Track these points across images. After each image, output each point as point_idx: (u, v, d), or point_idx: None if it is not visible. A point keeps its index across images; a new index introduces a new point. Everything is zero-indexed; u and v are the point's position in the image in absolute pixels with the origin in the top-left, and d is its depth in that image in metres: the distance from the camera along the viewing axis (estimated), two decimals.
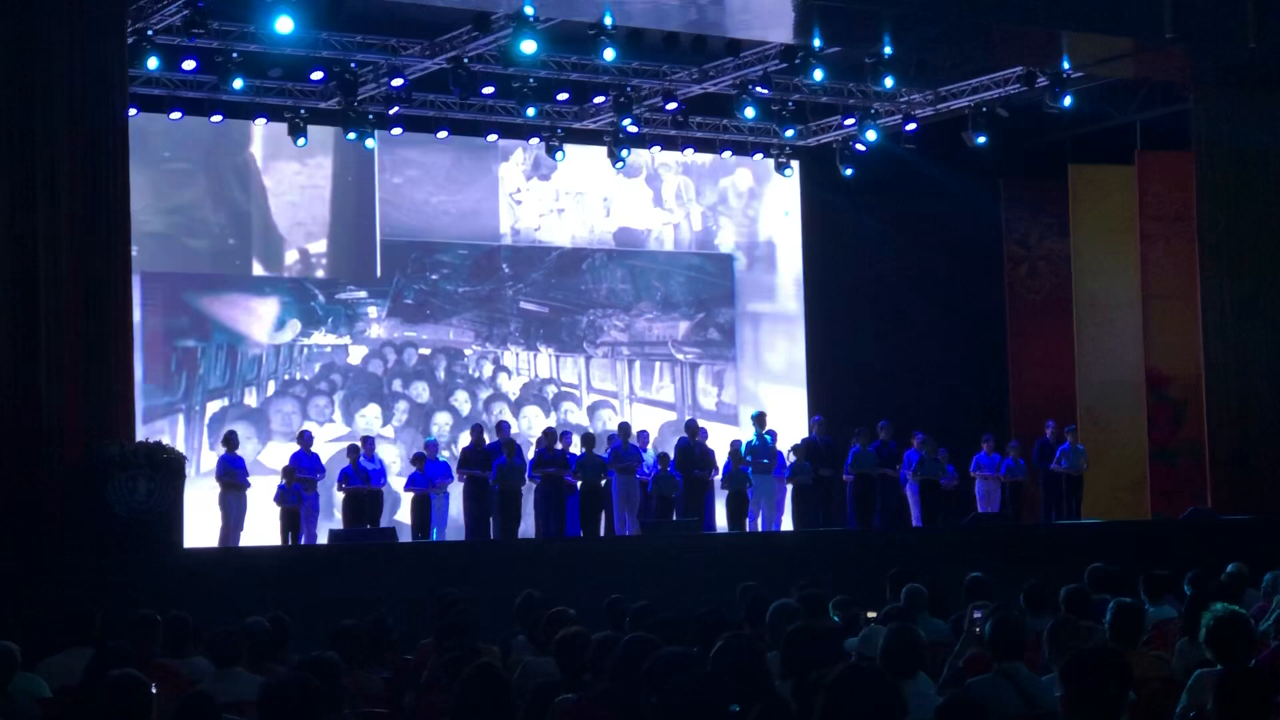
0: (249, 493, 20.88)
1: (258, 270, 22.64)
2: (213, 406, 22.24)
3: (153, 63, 20.84)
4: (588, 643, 8.36)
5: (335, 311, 23.14)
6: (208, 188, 23.14)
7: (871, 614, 11.64)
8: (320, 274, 22.12)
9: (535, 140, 25.40)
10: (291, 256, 23.18)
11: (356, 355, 22.96)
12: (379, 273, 23.62)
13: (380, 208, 23.97)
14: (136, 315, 18.40)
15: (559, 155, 25.48)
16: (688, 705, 5.85)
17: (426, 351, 23.94)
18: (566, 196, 26.40)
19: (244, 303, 22.20)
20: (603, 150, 25.75)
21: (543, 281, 25.62)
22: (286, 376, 22.48)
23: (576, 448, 22.34)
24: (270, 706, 6.35)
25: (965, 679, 8.50)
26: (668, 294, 26.82)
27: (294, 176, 23.42)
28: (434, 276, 24.57)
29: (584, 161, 25.97)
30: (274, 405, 22.70)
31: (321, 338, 22.40)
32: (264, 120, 23.65)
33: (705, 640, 8.65)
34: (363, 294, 23.08)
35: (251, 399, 22.71)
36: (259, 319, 22.30)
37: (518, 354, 24.99)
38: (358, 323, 23.40)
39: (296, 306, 22.70)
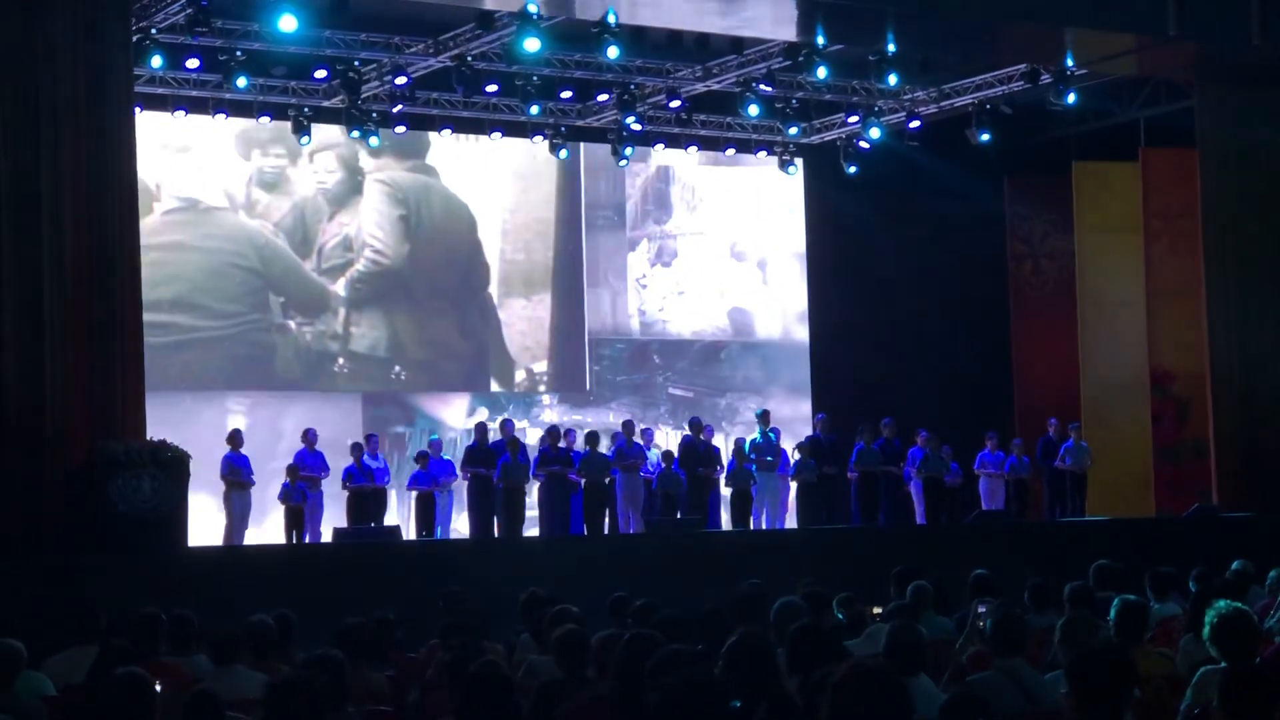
0: (252, 491, 20.91)
1: (495, 387, 23.54)
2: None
3: (156, 61, 20.85)
4: (585, 640, 8.36)
5: (517, 400, 23.99)
6: (456, 320, 23.92)
7: (877, 610, 11.64)
8: (543, 388, 23.34)
9: (539, 138, 25.36)
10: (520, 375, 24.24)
11: (533, 436, 23.47)
12: (589, 385, 24.78)
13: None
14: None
15: (562, 153, 25.47)
16: (690, 703, 5.85)
17: None
18: (687, 283, 26.75)
19: (450, 399, 22.98)
20: (718, 238, 26.23)
21: (687, 369, 26.36)
22: None
23: (580, 445, 22.34)
24: (275, 705, 6.35)
25: (966, 675, 8.50)
26: (795, 380, 27.45)
27: (521, 309, 24.21)
28: (596, 368, 25.35)
29: (699, 250, 26.68)
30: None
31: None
32: (269, 119, 23.64)
33: (709, 638, 8.65)
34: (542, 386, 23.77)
35: None
36: (454, 409, 23.24)
37: (668, 433, 25.61)
38: (534, 408, 24.23)
39: (486, 398, 23.49)
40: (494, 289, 24.16)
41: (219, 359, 21.75)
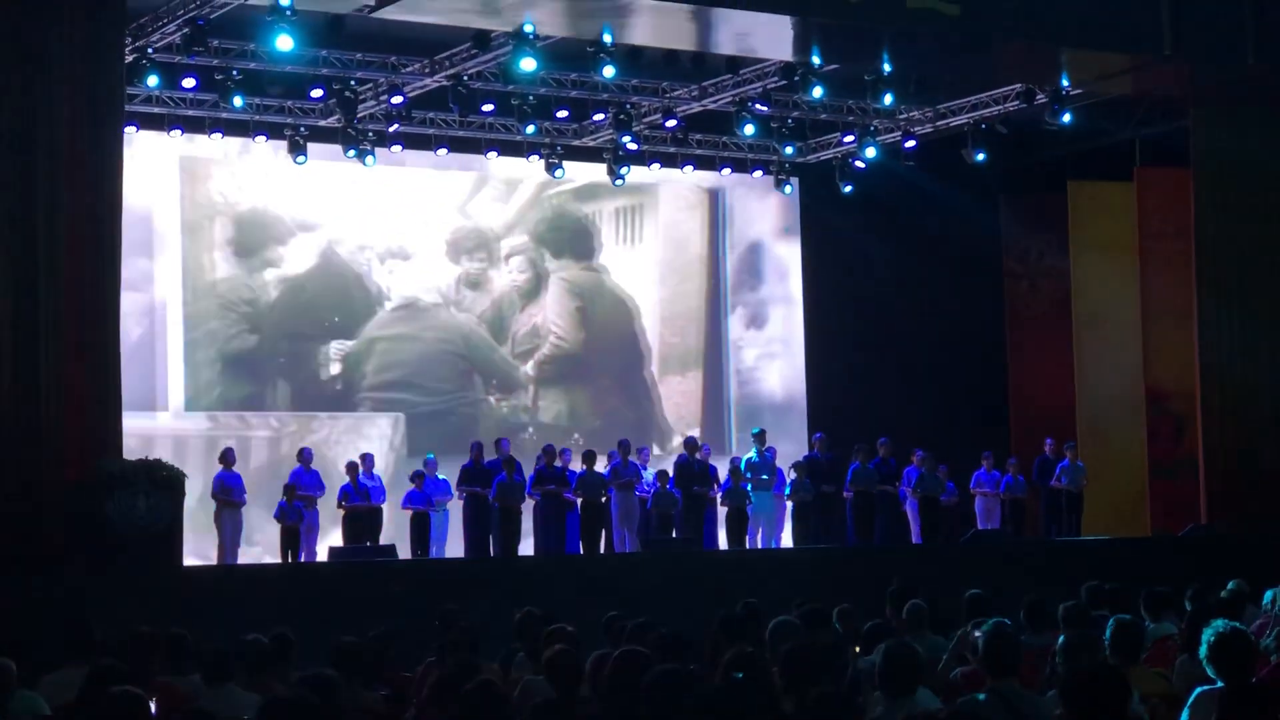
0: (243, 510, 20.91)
1: (655, 450, 25.46)
2: None
3: (153, 81, 20.88)
4: (577, 660, 8.36)
5: None
6: (623, 394, 26.82)
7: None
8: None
9: (535, 158, 25.40)
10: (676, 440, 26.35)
11: None
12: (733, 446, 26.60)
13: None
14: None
15: (559, 173, 25.51)
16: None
17: None
18: (774, 344, 28.09)
19: None
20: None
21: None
22: None
23: (576, 464, 22.33)
24: None
25: (959, 695, 8.48)
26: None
27: (677, 384, 27.27)
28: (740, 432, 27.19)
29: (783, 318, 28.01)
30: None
31: None
32: (264, 138, 23.67)
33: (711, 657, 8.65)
34: None
35: None
36: None
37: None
38: None
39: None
40: (654, 367, 27.05)
41: (436, 428, 24.54)
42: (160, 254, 23.03)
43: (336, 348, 24.30)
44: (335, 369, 24.26)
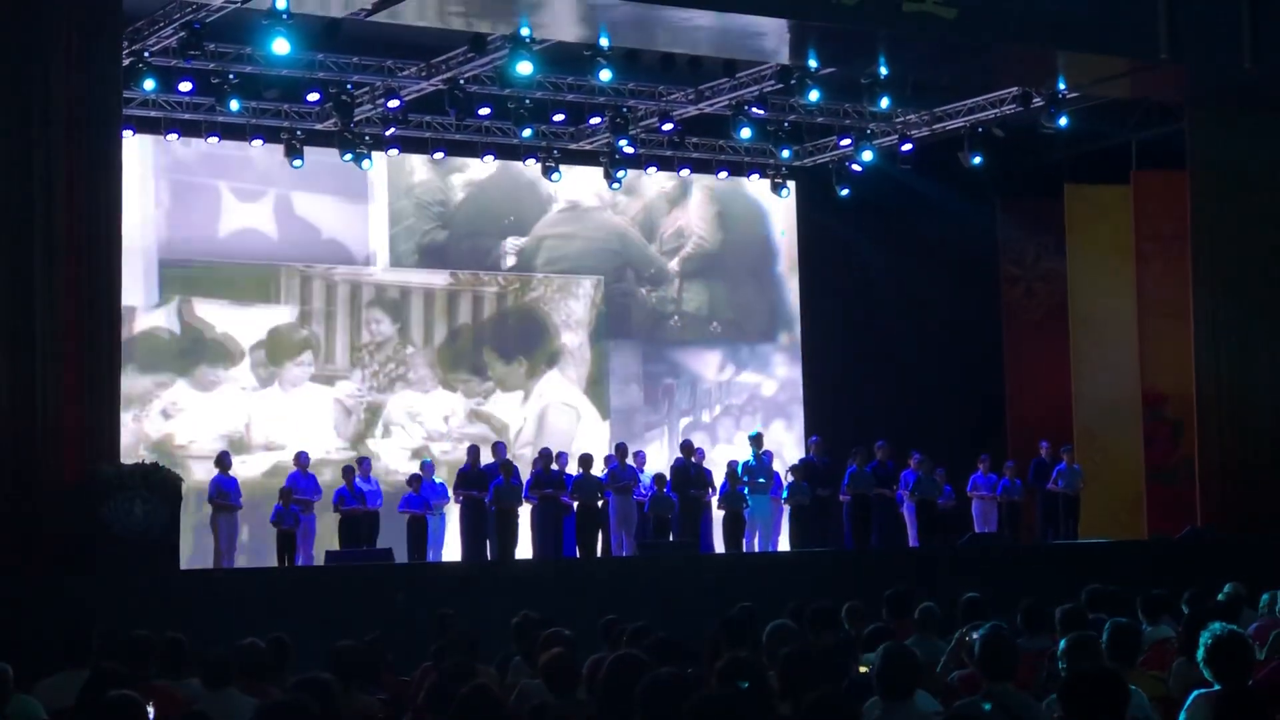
0: (239, 514, 20.92)
1: (783, 340, 28.61)
2: (683, 422, 27.37)
3: (149, 84, 20.87)
4: (573, 664, 8.35)
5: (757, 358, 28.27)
6: (755, 289, 28.66)
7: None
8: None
9: (532, 161, 25.41)
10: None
11: (769, 389, 28.19)
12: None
13: None
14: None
15: (555, 176, 25.52)
16: None
17: None
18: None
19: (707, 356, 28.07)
20: None
21: None
22: (726, 402, 27.92)
23: (573, 468, 22.33)
24: None
25: (956, 698, 8.48)
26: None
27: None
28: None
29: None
30: (719, 421, 27.68)
31: (748, 377, 28.10)
32: (260, 141, 23.67)
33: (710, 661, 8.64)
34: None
35: (706, 417, 27.54)
36: (709, 363, 27.94)
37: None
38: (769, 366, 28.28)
39: (734, 356, 28.11)
40: (783, 266, 28.50)
41: (595, 312, 26.97)
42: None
43: (512, 243, 26.16)
44: (510, 261, 26.05)
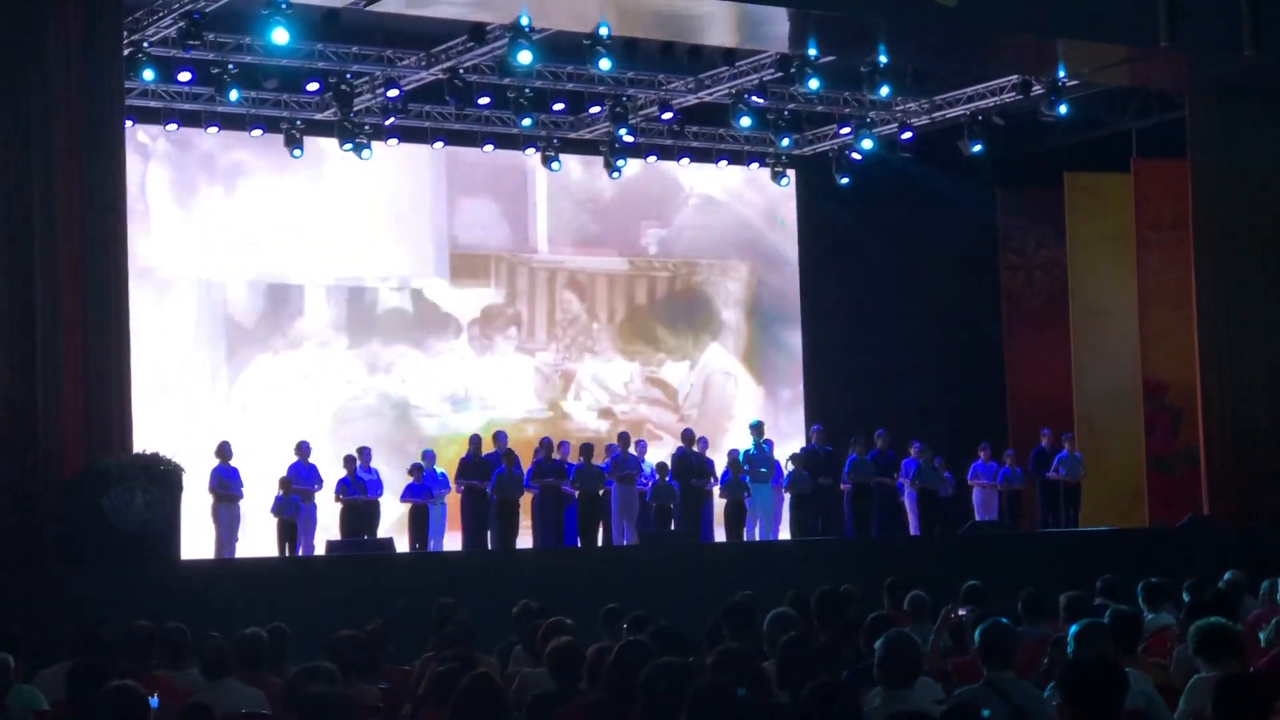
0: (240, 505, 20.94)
1: None
2: None
3: (149, 75, 20.88)
4: (579, 653, 8.35)
5: None
6: None
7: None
8: None
9: (531, 150, 25.42)
10: None
11: None
12: None
13: None
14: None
15: (555, 165, 25.52)
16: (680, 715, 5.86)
17: None
18: None
19: None
20: None
21: None
22: None
23: (574, 457, 22.33)
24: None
25: (954, 686, 8.48)
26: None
27: None
28: None
29: None
30: None
31: None
32: (260, 131, 23.66)
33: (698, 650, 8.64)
34: None
35: None
36: None
37: None
38: None
39: None
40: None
41: (749, 292, 28.45)
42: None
43: (653, 233, 27.49)
44: (654, 249, 27.46)
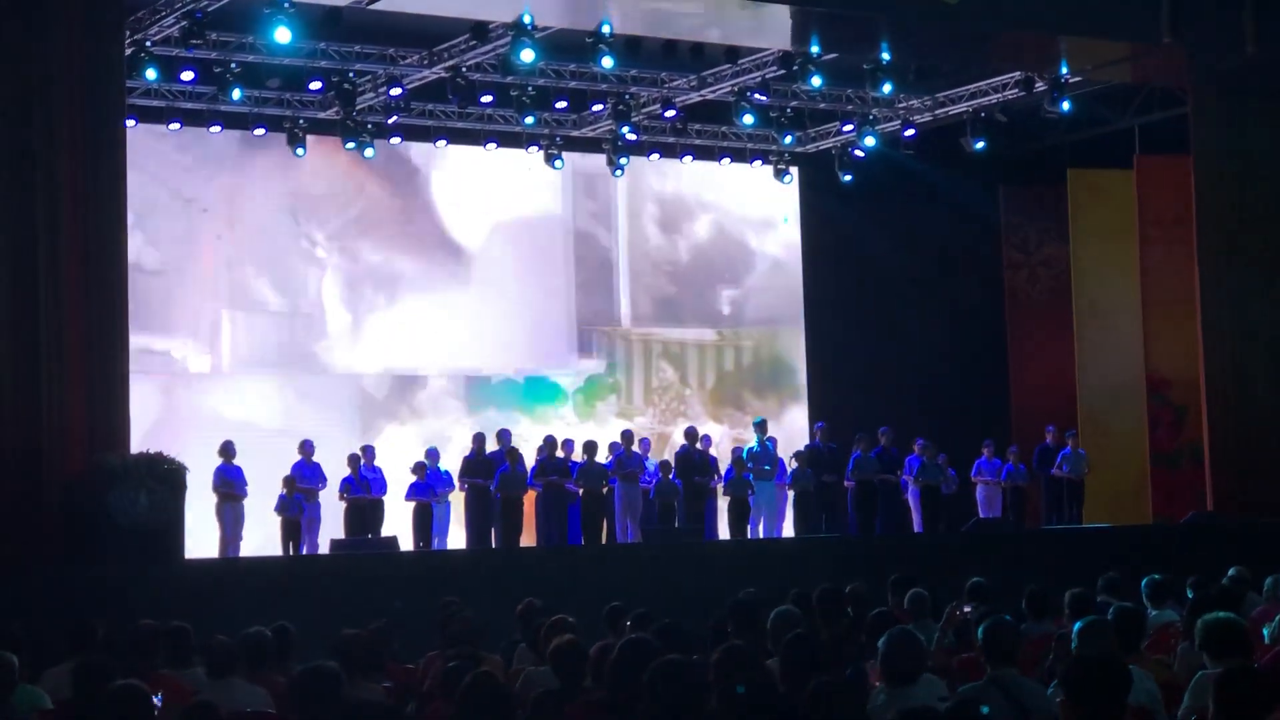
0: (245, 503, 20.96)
1: None
2: None
3: (151, 74, 20.87)
4: (582, 651, 8.36)
5: None
6: None
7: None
8: None
9: (534, 149, 25.43)
10: None
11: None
12: None
13: None
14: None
15: (558, 163, 25.53)
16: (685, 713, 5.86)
17: None
18: None
19: None
20: None
21: None
22: None
23: (578, 455, 22.33)
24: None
25: (958, 683, 8.49)
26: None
27: None
28: None
29: None
30: None
31: None
32: (263, 130, 23.67)
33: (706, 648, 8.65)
34: None
35: None
36: None
37: None
38: None
39: None
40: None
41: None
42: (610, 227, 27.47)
43: (727, 293, 28.06)
44: (726, 310, 28.05)
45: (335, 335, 24.82)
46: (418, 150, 25.44)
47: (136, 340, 18.82)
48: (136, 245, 20.76)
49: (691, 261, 27.94)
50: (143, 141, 21.80)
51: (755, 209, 28.16)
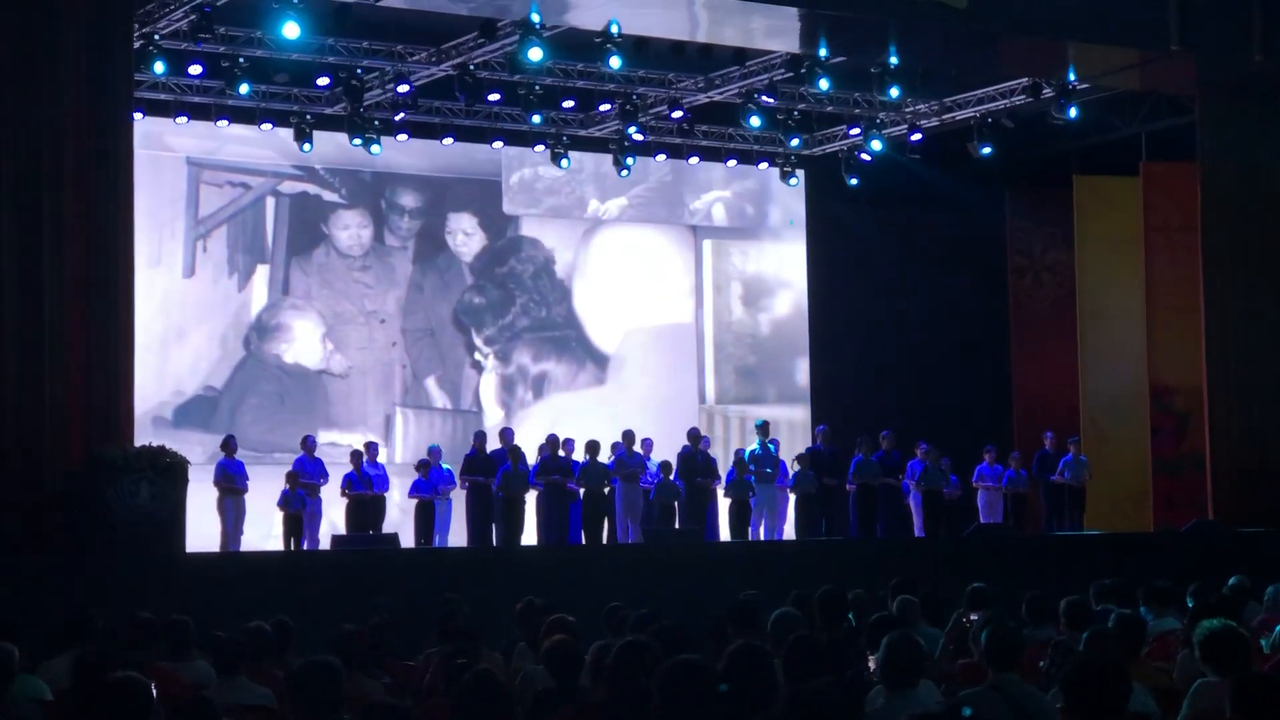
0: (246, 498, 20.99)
1: None
2: None
3: (159, 68, 20.88)
4: (576, 650, 8.36)
5: None
6: None
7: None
8: None
9: (540, 147, 25.44)
10: None
11: None
12: None
13: None
14: None
15: (564, 163, 25.55)
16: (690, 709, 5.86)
17: None
18: None
19: None
20: None
21: None
22: None
23: (580, 454, 22.33)
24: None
25: (958, 685, 8.48)
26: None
27: None
28: None
29: None
30: None
31: None
32: (270, 126, 23.70)
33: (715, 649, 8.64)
34: None
35: None
36: None
37: None
38: None
39: None
40: None
41: None
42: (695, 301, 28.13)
43: (801, 364, 28.31)
44: (802, 380, 28.26)
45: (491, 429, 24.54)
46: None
47: (326, 435, 22.96)
48: (327, 351, 24.71)
49: (771, 334, 28.38)
50: (336, 265, 25.04)
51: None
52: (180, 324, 23.17)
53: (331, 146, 24.25)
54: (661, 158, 26.74)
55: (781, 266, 28.45)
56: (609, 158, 26.18)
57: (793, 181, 27.42)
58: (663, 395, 24.54)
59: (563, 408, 24.94)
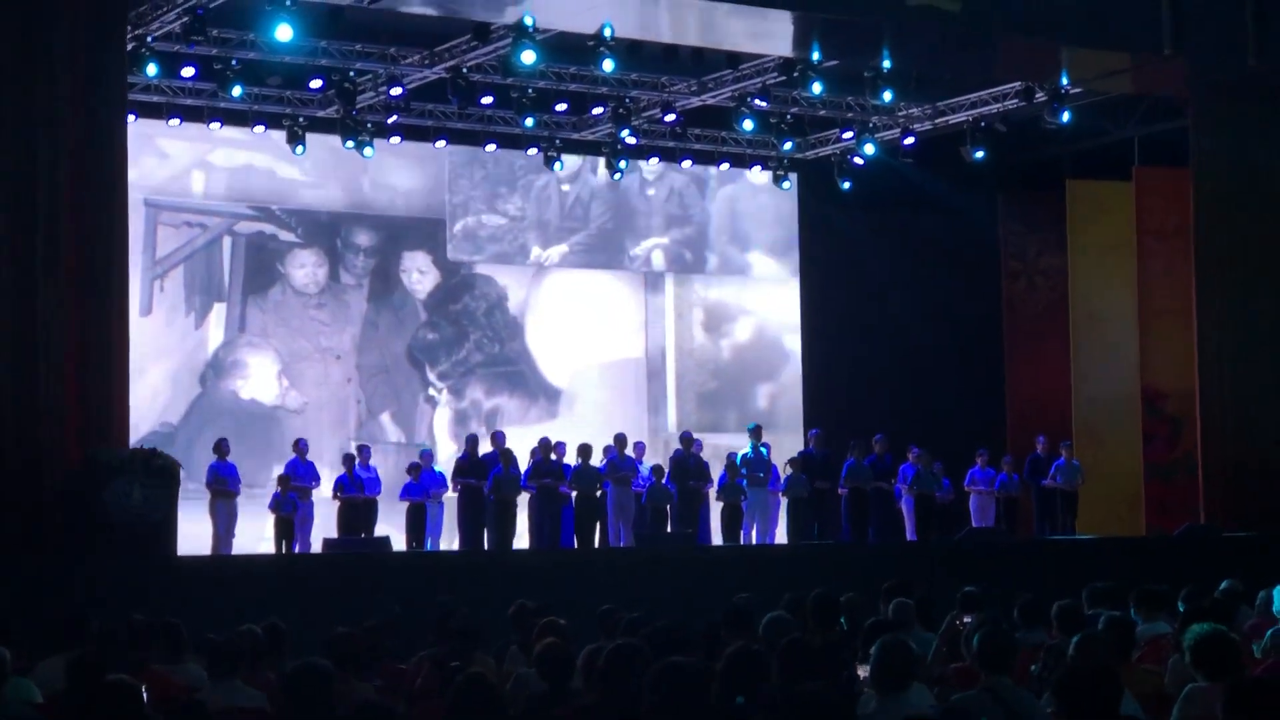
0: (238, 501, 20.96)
1: None
2: None
3: (152, 70, 20.86)
4: (567, 653, 8.36)
5: None
6: None
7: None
8: None
9: (533, 150, 25.45)
10: None
11: None
12: None
13: None
14: None
15: (557, 166, 25.55)
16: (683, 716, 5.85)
17: None
18: None
19: None
20: None
21: None
22: None
23: (571, 458, 22.31)
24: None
25: (951, 689, 8.48)
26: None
27: None
28: None
29: None
30: None
31: None
32: (262, 127, 23.69)
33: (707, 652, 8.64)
34: None
35: None
36: None
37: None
38: None
39: None
40: None
41: None
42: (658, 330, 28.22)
43: (764, 389, 28.42)
44: (764, 403, 28.27)
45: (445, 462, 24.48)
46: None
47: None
48: (283, 387, 24.88)
49: (732, 359, 28.49)
50: (292, 303, 25.15)
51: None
52: (137, 361, 22.84)
53: (287, 186, 24.75)
54: (654, 161, 26.73)
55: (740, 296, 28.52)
56: (552, 203, 26.39)
57: (785, 185, 27.41)
58: (614, 428, 24.24)
59: (515, 441, 24.79)
